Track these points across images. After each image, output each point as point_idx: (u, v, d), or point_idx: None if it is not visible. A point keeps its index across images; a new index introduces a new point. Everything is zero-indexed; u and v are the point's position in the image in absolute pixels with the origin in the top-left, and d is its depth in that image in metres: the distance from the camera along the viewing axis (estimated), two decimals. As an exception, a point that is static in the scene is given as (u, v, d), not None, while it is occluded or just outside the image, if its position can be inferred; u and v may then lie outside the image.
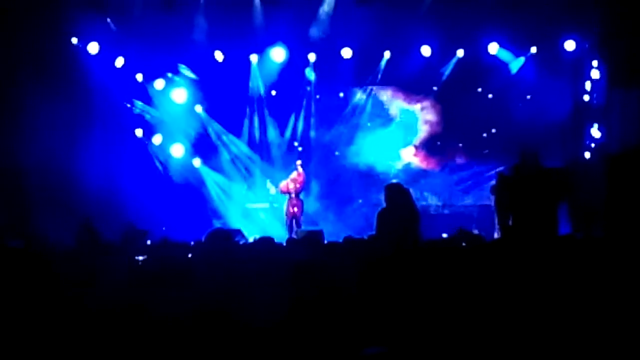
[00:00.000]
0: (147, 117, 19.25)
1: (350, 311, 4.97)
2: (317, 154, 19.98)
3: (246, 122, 20.01)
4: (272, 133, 20.08)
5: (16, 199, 15.88)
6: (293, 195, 17.85)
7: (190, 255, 6.82)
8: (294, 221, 17.75)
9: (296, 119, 20.10)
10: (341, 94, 20.01)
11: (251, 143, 20.08)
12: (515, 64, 18.70)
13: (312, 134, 20.06)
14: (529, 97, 18.43)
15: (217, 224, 18.41)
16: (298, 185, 17.86)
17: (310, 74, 19.57)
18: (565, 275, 5.02)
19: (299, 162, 18.15)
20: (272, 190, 19.00)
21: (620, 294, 4.44)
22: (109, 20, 17.93)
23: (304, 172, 18.08)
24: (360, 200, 19.40)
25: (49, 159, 16.38)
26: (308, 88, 19.85)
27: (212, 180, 19.65)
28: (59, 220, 14.94)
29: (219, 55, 18.89)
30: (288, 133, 20.14)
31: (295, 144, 20.12)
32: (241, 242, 11.49)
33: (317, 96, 19.89)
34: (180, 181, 19.34)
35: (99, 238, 8.59)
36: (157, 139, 19.21)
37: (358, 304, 5.08)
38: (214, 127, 19.83)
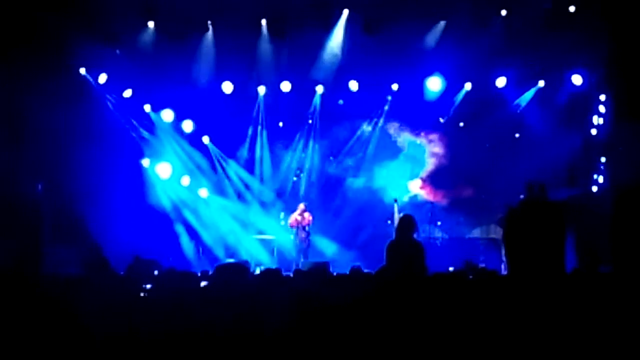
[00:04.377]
0: (154, 147, 19.31)
1: (357, 343, 4.95)
2: (324, 185, 20.00)
3: (252, 153, 20.09)
4: (278, 164, 20.17)
5: (28, 229, 15.91)
6: (301, 228, 17.94)
7: (198, 286, 6.82)
8: (301, 253, 17.77)
9: (303, 150, 20.19)
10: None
11: (258, 173, 20.13)
12: (524, 97, 18.75)
13: (319, 165, 20.11)
14: (534, 131, 18.42)
15: (225, 256, 18.45)
16: (306, 221, 17.99)
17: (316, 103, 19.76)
18: (572, 310, 5.01)
19: (301, 205, 18.24)
20: (283, 222, 19.04)
21: (627, 330, 4.43)
22: (118, 52, 18.05)
23: (309, 212, 18.20)
24: None
25: (58, 188, 16.50)
26: (310, 121, 19.96)
27: (217, 210, 19.66)
28: (69, 249, 15.03)
29: (227, 87, 18.97)
30: (294, 164, 20.21)
31: (302, 175, 20.18)
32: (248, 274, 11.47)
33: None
34: (186, 211, 19.35)
35: (109, 266, 8.58)
36: (164, 170, 19.23)
37: (363, 335, 5.06)
38: (221, 158, 19.92)
